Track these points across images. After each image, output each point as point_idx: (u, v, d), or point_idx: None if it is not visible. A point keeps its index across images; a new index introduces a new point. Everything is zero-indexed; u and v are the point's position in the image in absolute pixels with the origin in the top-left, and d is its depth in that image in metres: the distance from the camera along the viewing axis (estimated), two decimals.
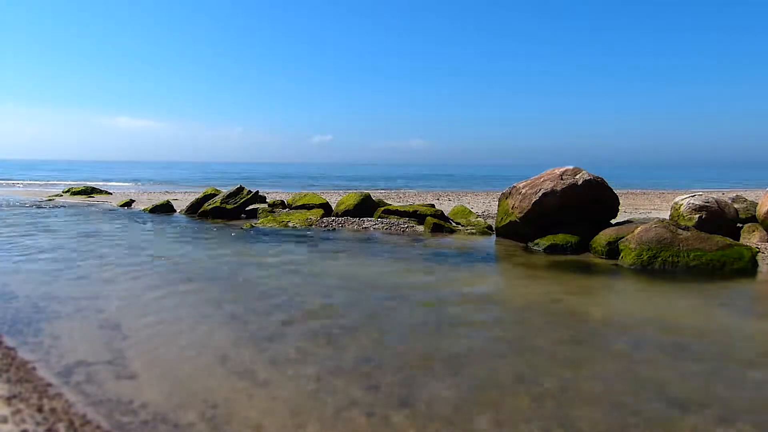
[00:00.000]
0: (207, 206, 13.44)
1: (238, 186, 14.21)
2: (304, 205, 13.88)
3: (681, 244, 7.53)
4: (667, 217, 9.73)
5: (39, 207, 15.46)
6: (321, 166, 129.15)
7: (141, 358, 3.84)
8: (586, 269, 7.47)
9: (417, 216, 11.97)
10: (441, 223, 10.90)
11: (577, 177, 9.24)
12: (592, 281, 6.81)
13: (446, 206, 15.73)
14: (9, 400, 3.08)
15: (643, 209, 15.94)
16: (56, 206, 15.88)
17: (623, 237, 8.07)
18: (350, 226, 11.41)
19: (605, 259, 8.03)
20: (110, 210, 15.09)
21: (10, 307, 5.06)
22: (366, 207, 12.76)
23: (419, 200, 19.05)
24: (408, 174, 68.13)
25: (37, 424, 2.82)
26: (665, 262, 7.41)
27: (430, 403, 3.18)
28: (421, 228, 11.05)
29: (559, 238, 8.75)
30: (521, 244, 9.35)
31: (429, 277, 6.80)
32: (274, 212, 13.42)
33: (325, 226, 11.38)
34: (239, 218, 13.07)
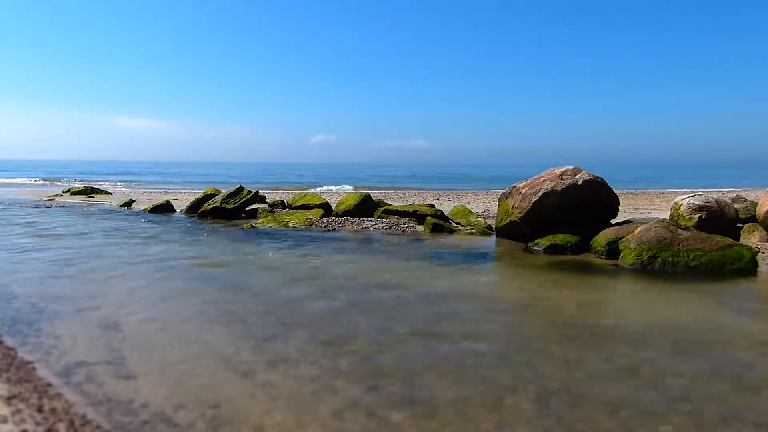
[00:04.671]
0: (207, 206, 13.44)
1: (238, 186, 14.21)
2: (304, 205, 13.88)
3: (681, 244, 7.53)
4: (667, 217, 9.73)
5: (39, 207, 15.46)
6: (321, 166, 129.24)
7: (141, 358, 3.84)
8: (586, 269, 7.47)
9: (417, 216, 11.97)
10: (441, 223, 10.90)
11: (577, 177, 9.24)
12: (592, 281, 6.81)
13: (446, 206, 15.73)
14: (9, 400, 3.08)
15: (643, 209, 15.94)
16: (56, 206, 15.88)
17: (623, 237, 8.07)
18: (350, 226, 11.41)
19: (605, 259, 8.04)
20: (110, 210, 15.09)
21: (10, 307, 5.06)
22: (366, 207, 12.77)
23: (419, 200, 19.05)
24: (408, 174, 68.13)
25: (37, 424, 2.82)
26: (665, 262, 7.41)
27: (430, 404, 3.18)
28: (421, 228, 11.05)
29: (559, 238, 8.75)
30: (521, 244, 9.35)
31: (429, 276, 6.80)
32: (274, 212, 13.42)
33: (325, 226, 11.38)
34: (239, 218, 13.07)
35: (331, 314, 5.00)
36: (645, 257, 7.48)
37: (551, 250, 8.64)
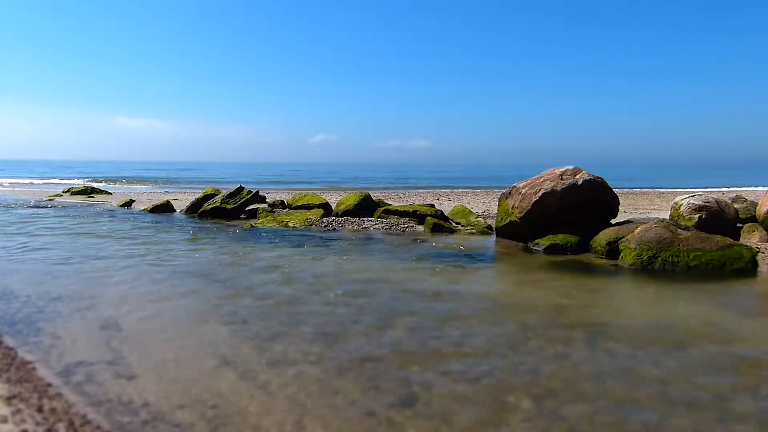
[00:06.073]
0: (207, 206, 13.44)
1: (238, 186, 14.21)
2: (304, 205, 13.88)
3: (681, 244, 7.53)
4: (667, 217, 9.73)
5: (39, 207, 15.46)
6: (322, 166, 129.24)
7: (141, 358, 3.84)
8: (586, 269, 7.47)
9: (417, 216, 11.97)
10: (441, 223, 10.90)
11: (577, 177, 9.24)
12: (592, 281, 6.81)
13: (446, 206, 15.73)
14: (9, 400, 3.08)
15: (643, 209, 15.94)
16: (56, 206, 15.88)
17: (623, 237, 8.07)
18: (350, 226, 11.41)
19: (605, 259, 8.04)
20: (110, 210, 15.09)
21: (10, 307, 5.06)
22: (366, 207, 12.77)
23: (419, 200, 19.05)
24: (409, 174, 68.11)
25: (37, 424, 2.82)
26: (665, 262, 7.41)
27: (429, 403, 3.19)
28: (421, 228, 11.05)
29: (559, 238, 8.75)
30: (521, 244, 9.35)
31: (429, 277, 6.80)
32: (274, 212, 13.42)
33: (325, 226, 11.38)
34: (239, 218, 13.07)
35: (331, 314, 5.00)
36: (645, 257, 7.48)
37: (551, 250, 8.64)
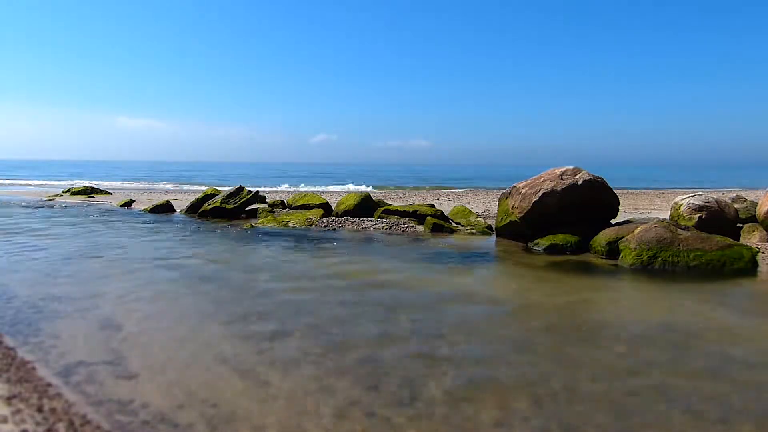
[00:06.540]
0: (207, 206, 13.44)
1: (238, 186, 14.21)
2: (304, 205, 13.88)
3: (681, 244, 7.53)
4: (667, 217, 9.73)
5: (39, 207, 15.47)
6: (322, 166, 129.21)
7: (141, 358, 3.84)
8: (586, 269, 7.47)
9: (417, 216, 11.96)
10: (441, 223, 10.90)
11: (577, 177, 9.24)
12: (592, 281, 6.81)
13: (446, 206, 15.73)
14: (9, 400, 3.08)
15: (643, 209, 15.94)
16: (56, 206, 15.88)
17: (623, 237, 8.07)
18: (350, 226, 11.41)
19: (605, 259, 8.04)
20: (110, 210, 15.09)
21: (10, 307, 5.06)
22: (366, 207, 12.76)
23: (419, 200, 19.05)
24: (409, 174, 68.11)
25: (37, 424, 2.82)
26: (665, 262, 7.41)
27: (430, 404, 3.19)
28: (421, 228, 11.05)
29: (559, 238, 8.75)
30: (521, 244, 9.35)
31: (429, 277, 6.80)
32: (274, 212, 13.42)
33: (325, 226, 11.38)
34: (239, 218, 13.07)
35: (330, 314, 5.00)
36: (645, 257, 7.48)
37: (551, 250, 8.64)
